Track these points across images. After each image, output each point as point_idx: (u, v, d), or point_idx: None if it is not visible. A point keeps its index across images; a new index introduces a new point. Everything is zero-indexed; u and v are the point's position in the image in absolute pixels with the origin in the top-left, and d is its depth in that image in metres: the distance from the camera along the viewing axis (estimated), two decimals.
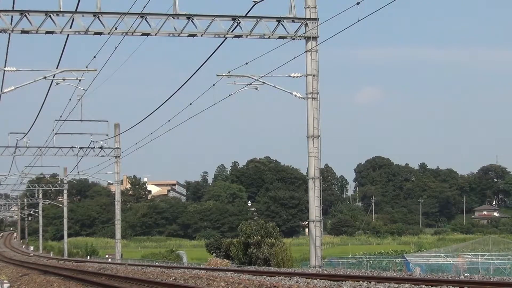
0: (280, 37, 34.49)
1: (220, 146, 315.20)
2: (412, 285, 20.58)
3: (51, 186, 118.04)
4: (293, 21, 34.43)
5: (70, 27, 32.58)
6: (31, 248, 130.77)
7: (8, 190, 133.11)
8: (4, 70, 35.66)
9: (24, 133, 65.92)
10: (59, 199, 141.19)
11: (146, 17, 32.78)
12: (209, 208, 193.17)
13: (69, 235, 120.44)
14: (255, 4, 29.18)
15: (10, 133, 67.53)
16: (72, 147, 68.72)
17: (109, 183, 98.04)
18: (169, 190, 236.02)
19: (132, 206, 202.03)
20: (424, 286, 20.44)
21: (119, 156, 71.37)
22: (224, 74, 36.60)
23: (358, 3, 26.80)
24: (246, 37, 34.08)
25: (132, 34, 33.06)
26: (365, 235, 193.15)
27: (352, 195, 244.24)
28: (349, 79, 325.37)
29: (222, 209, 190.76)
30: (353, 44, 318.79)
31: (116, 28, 32.66)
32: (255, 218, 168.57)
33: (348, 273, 27.47)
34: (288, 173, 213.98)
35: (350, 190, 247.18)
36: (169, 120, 47.78)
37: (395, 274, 27.60)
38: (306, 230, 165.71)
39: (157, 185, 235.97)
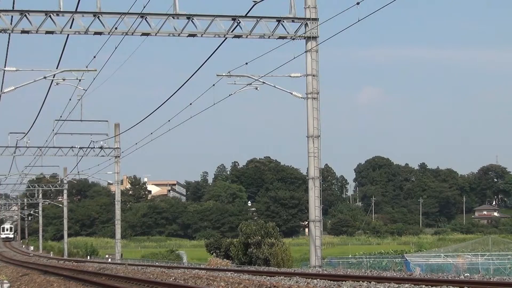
0: (280, 37, 34.49)
1: (220, 146, 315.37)
2: (412, 285, 20.58)
3: (51, 186, 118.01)
4: (293, 21, 34.44)
5: (70, 27, 32.59)
6: (31, 248, 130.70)
7: (8, 190, 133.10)
8: (4, 70, 35.67)
9: (24, 133, 65.89)
10: (59, 199, 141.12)
11: (146, 17, 32.79)
12: (209, 208, 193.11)
13: (69, 235, 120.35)
14: (255, 4, 29.20)
15: (10, 133, 67.48)
16: (72, 147, 68.74)
17: (109, 183, 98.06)
18: (169, 190, 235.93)
19: (132, 206, 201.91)
20: (424, 286, 20.45)
21: (119, 156, 71.37)
22: (224, 74, 36.61)
23: (358, 3, 26.83)
24: (246, 37, 34.09)
25: (132, 34, 33.07)
26: (365, 235, 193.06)
27: (352, 195, 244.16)
28: (349, 79, 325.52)
29: (222, 209, 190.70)
30: (353, 44, 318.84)
31: (116, 28, 32.67)
32: (255, 218, 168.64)
33: (348, 273, 27.48)
34: (288, 173, 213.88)
35: (350, 190, 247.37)
36: (169, 120, 47.83)
37: (395, 274, 27.60)
38: (306, 230, 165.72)
39: (157, 185, 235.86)
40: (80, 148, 68.74)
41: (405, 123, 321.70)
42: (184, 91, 39.74)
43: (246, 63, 35.86)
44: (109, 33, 32.92)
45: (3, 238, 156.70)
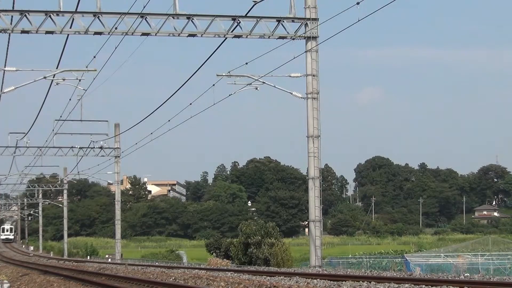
0: (280, 37, 34.49)
1: (220, 146, 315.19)
2: (412, 285, 20.57)
3: (51, 186, 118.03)
4: (293, 21, 34.43)
5: (70, 27, 32.59)
6: (31, 248, 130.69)
7: (8, 190, 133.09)
8: (4, 70, 35.67)
9: (24, 133, 65.92)
10: (59, 199, 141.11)
11: (146, 17, 32.79)
12: (209, 208, 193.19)
13: (69, 235, 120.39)
14: (255, 4, 29.20)
15: (10, 133, 67.54)
16: (72, 147, 68.74)
17: (109, 183, 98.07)
18: (169, 190, 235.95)
19: (132, 206, 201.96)
20: (424, 286, 20.44)
21: (119, 156, 71.37)
22: (224, 74, 36.60)
23: (358, 3, 26.81)
24: (246, 37, 34.09)
25: (132, 34, 33.07)
26: (365, 235, 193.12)
27: (352, 195, 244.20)
28: (349, 79, 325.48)
29: (222, 209, 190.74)
30: (353, 44, 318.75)
31: (116, 28, 32.67)
32: (255, 218, 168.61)
33: (348, 273, 27.47)
34: (288, 173, 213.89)
35: (350, 190, 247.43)
36: (169, 120, 47.83)
37: (395, 274, 27.60)
38: (306, 230, 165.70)
39: (157, 185, 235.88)
40: (80, 148, 68.76)
41: (405, 123, 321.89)
42: (184, 91, 39.68)
43: (246, 63, 35.89)
44: (109, 33, 32.92)
45: (3, 239, 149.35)
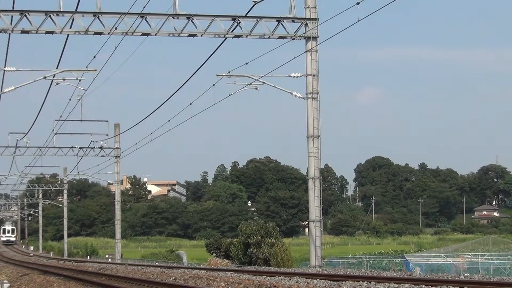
0: (280, 37, 34.50)
1: (220, 146, 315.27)
2: (412, 285, 20.57)
3: (51, 186, 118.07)
4: (293, 21, 34.45)
5: (70, 27, 32.60)
6: (31, 248, 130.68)
7: (8, 190, 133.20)
8: (4, 70, 35.68)
9: (24, 133, 65.95)
10: (59, 199, 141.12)
11: (146, 17, 32.80)
12: (209, 208, 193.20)
13: (69, 235, 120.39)
14: (255, 4, 29.20)
15: (10, 133, 67.54)
16: (72, 147, 68.75)
17: (109, 183, 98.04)
18: (169, 190, 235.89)
19: (132, 206, 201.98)
20: (424, 286, 20.44)
21: (119, 156, 71.37)
22: (224, 74, 36.61)
23: (358, 3, 26.82)
24: (246, 37, 34.10)
25: (132, 34, 33.08)
26: (365, 235, 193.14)
27: (352, 195, 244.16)
28: (349, 79, 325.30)
29: (222, 209, 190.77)
30: (353, 44, 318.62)
31: (116, 28, 32.68)
32: (255, 218, 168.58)
33: (348, 273, 27.47)
34: (288, 173, 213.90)
35: (350, 190, 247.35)
36: (169, 120, 47.83)
37: (395, 274, 27.60)
38: (306, 230, 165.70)
39: (157, 185, 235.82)
40: (80, 148, 68.78)
41: (405, 123, 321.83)
42: (184, 91, 39.78)
43: (246, 63, 35.90)
44: (109, 33, 32.93)
45: (3, 241, 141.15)
